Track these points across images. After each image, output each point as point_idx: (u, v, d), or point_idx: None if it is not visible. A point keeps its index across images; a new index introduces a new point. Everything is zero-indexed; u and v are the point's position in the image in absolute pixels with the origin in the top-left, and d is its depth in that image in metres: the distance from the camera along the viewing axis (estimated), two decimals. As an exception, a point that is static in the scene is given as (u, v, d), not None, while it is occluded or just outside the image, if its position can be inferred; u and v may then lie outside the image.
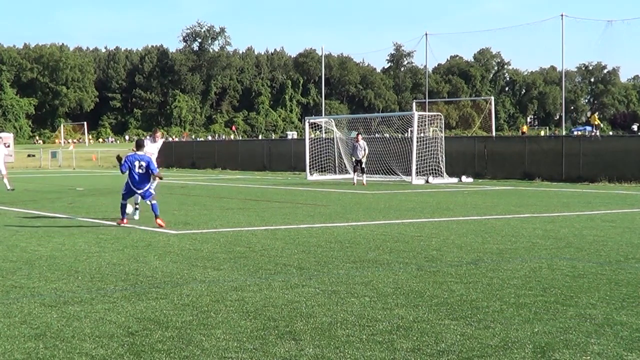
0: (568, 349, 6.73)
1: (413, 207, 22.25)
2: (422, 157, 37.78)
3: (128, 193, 16.97)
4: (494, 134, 58.06)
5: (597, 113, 68.37)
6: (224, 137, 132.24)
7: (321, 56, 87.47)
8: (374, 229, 16.30)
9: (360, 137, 35.69)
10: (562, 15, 59.73)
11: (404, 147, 38.81)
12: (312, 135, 47.31)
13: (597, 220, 18.23)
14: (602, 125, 57.82)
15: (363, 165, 34.83)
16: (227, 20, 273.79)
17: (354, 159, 35.56)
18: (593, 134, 51.37)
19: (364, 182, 34.70)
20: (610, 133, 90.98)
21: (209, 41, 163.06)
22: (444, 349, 6.76)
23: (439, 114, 42.14)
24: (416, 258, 12.10)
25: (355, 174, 35.41)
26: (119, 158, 17.27)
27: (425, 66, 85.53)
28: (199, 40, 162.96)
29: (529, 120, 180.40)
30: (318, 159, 43.87)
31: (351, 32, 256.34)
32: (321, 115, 78.48)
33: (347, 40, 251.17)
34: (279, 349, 6.80)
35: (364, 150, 34.56)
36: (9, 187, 30.00)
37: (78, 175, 49.81)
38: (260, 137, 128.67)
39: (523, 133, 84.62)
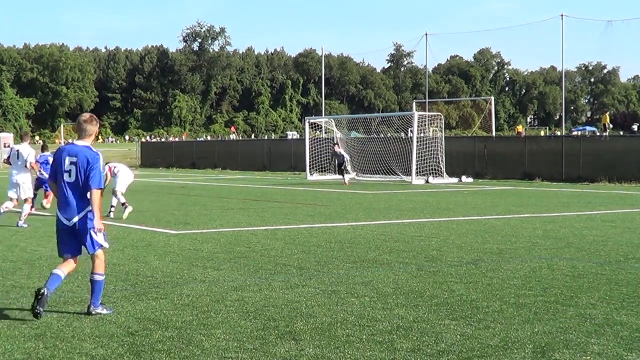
0: (568, 349, 6.73)
1: (413, 207, 22.25)
2: (422, 157, 37.78)
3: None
4: (494, 134, 58.07)
5: (608, 113, 68.19)
6: (232, 137, 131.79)
7: (321, 56, 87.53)
8: (374, 229, 16.30)
9: (337, 146, 37.26)
10: (562, 15, 59.81)
11: (404, 147, 38.81)
12: (324, 136, 47.56)
13: (597, 220, 18.23)
14: (607, 125, 57.64)
15: (343, 167, 36.05)
16: (227, 20, 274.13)
17: (336, 162, 36.28)
18: (605, 134, 51.32)
19: (346, 182, 35.01)
20: (611, 133, 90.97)
21: (209, 41, 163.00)
22: (444, 349, 6.76)
23: (439, 114, 42.14)
24: (416, 258, 12.10)
25: (345, 175, 36.09)
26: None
27: (425, 66, 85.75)
28: (199, 40, 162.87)
29: (528, 120, 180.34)
30: (318, 159, 43.86)
31: (351, 32, 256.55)
32: (321, 115, 78.50)
33: (347, 40, 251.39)
34: (279, 349, 6.80)
35: (344, 155, 35.92)
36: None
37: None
38: (267, 137, 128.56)
39: (519, 133, 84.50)
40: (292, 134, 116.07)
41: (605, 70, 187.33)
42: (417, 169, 37.13)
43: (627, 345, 6.90)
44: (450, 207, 22.19)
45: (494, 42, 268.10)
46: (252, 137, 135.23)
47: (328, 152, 44.17)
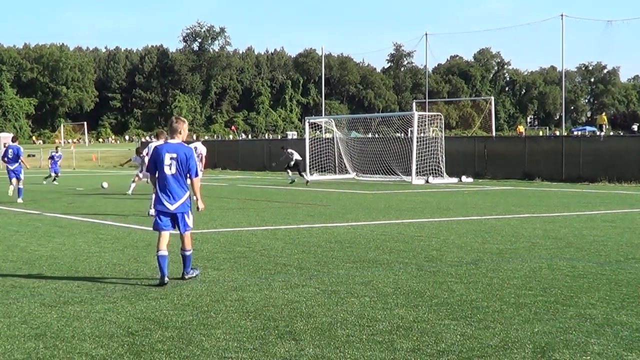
0: (568, 349, 6.73)
1: (413, 207, 22.25)
2: (422, 157, 37.81)
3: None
4: (494, 134, 58.07)
5: (604, 113, 68.38)
6: (241, 136, 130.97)
7: (321, 56, 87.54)
8: (374, 229, 16.30)
9: (288, 149, 37.06)
10: (562, 15, 59.77)
11: (404, 147, 38.83)
12: (324, 136, 47.49)
13: (597, 220, 18.23)
14: (606, 125, 57.73)
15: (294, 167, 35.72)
16: (227, 20, 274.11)
17: (289, 162, 35.96)
18: (600, 134, 51.36)
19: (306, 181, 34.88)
20: (611, 133, 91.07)
21: (209, 41, 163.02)
22: (444, 349, 6.76)
23: (439, 114, 42.16)
24: (416, 258, 12.10)
25: (304, 174, 35.80)
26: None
27: (425, 66, 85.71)
28: (199, 40, 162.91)
29: (528, 120, 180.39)
30: (318, 159, 43.87)
31: (351, 32, 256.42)
32: (321, 115, 78.51)
33: (347, 40, 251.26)
34: (279, 349, 6.79)
35: (294, 155, 35.76)
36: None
37: (78, 175, 49.80)
38: (279, 137, 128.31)
39: (520, 133, 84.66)
40: (292, 134, 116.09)
41: (605, 70, 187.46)
42: (417, 169, 37.15)
43: (627, 345, 6.89)
44: (450, 207, 22.19)
45: (494, 42, 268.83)
46: (268, 137, 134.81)
47: (328, 151, 44.29)
